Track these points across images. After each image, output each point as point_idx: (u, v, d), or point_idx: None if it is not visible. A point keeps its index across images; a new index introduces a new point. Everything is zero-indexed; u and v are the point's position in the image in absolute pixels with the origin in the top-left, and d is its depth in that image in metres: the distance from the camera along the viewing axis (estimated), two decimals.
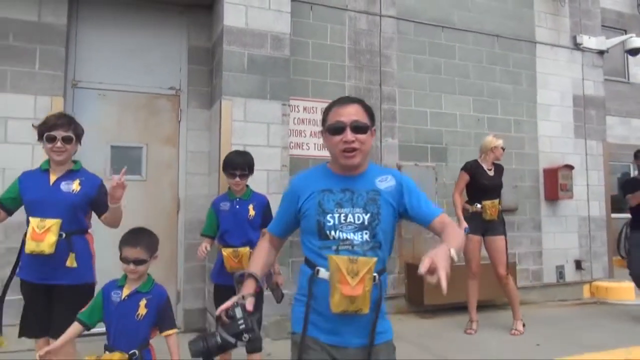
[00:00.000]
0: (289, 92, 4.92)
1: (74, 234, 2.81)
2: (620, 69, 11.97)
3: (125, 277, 2.50)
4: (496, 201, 4.89)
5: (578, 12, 7.17)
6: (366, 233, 1.79)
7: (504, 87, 6.54)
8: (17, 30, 4.36)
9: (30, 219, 2.73)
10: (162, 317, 2.50)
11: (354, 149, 1.79)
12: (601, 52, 7.24)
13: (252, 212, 3.38)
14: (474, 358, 4.06)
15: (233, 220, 3.36)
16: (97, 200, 2.89)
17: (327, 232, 1.79)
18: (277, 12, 4.82)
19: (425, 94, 6.06)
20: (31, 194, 2.81)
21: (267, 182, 4.59)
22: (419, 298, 5.47)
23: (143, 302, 2.44)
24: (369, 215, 1.81)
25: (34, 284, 2.78)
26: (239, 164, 3.36)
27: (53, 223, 2.69)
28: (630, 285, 6.70)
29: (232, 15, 4.65)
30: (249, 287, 1.83)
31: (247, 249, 3.24)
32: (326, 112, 1.90)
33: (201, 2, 5.05)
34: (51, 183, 2.80)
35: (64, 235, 2.74)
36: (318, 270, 1.79)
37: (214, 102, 4.93)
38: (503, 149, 5.03)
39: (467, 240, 4.64)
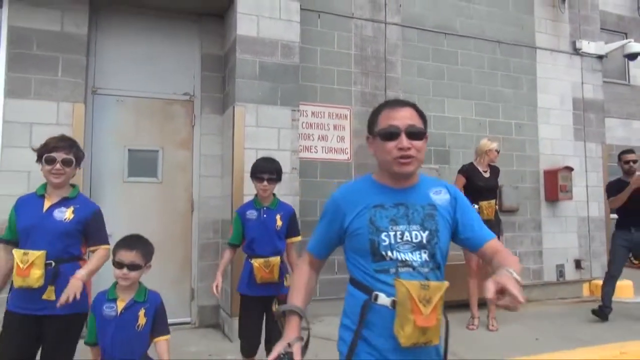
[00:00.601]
0: (298, 98, 5.13)
1: (65, 263, 2.69)
2: (620, 71, 12.13)
3: (114, 287, 2.45)
4: (492, 201, 5.10)
5: (577, 18, 7.37)
6: (424, 252, 1.62)
7: (505, 91, 6.74)
8: (41, 39, 4.59)
9: (14, 252, 2.64)
10: (157, 323, 2.46)
11: (409, 157, 1.61)
12: (600, 57, 7.43)
13: (279, 222, 3.34)
14: (476, 352, 4.26)
15: (261, 230, 3.31)
16: (90, 227, 2.78)
17: (383, 252, 1.60)
18: (287, 22, 5.04)
19: (429, 99, 6.26)
20: (24, 220, 2.73)
21: (279, 184, 4.80)
22: None
23: (142, 312, 2.41)
24: (427, 232, 1.63)
25: (22, 315, 2.64)
26: (267, 168, 3.33)
27: (36, 256, 2.59)
28: (629, 283, 6.91)
29: (245, 24, 4.87)
30: (293, 327, 1.64)
31: (278, 258, 3.26)
32: (375, 115, 1.72)
33: (214, 12, 5.27)
34: (44, 209, 2.71)
35: (53, 264, 2.64)
36: (377, 296, 1.59)
37: (226, 108, 5.14)
38: (497, 152, 5.24)
39: None
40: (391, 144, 1.62)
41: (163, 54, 5.24)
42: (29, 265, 2.57)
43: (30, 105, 4.52)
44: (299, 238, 3.49)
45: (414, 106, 1.70)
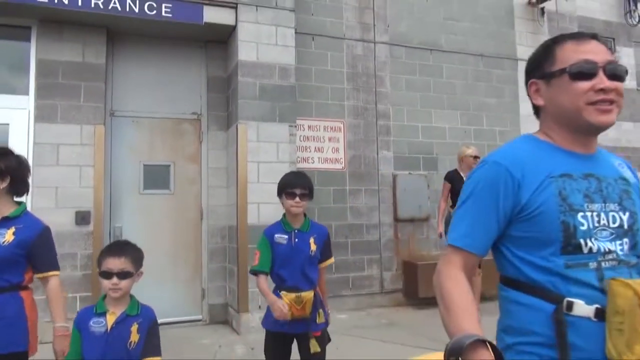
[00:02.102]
0: (295, 114, 5.69)
1: (3, 292, 2.30)
2: None
3: (102, 301, 2.20)
4: None
5: (556, 30, 7.87)
6: (626, 242, 1.24)
7: (489, 101, 7.26)
8: (65, 70, 5.18)
9: None
10: (149, 341, 2.20)
11: (612, 101, 1.24)
12: None
13: (313, 247, 2.89)
14: None
15: (293, 258, 2.85)
16: (35, 251, 2.39)
17: (581, 240, 1.20)
18: (284, 47, 5.60)
19: (417, 110, 6.80)
20: None
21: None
22: (414, 292, 6.18)
23: (135, 328, 2.15)
24: (627, 214, 1.25)
25: None
26: (299, 183, 2.91)
27: None
28: None
29: (245, 51, 5.43)
30: None
31: (312, 293, 2.82)
32: (548, 51, 1.36)
33: (218, 39, 5.84)
34: None
35: None
36: (571, 304, 1.16)
37: (230, 125, 5.71)
38: (474, 157, 5.63)
39: None
40: (585, 84, 1.25)
41: (173, 78, 5.82)
42: None
43: (57, 128, 5.10)
44: (332, 260, 3.12)
45: (604, 43, 1.31)
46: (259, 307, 5.15)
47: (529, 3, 7.68)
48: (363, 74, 6.57)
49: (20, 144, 4.96)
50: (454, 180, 5.64)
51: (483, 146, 6.90)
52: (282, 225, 2.94)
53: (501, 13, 7.49)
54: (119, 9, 5.02)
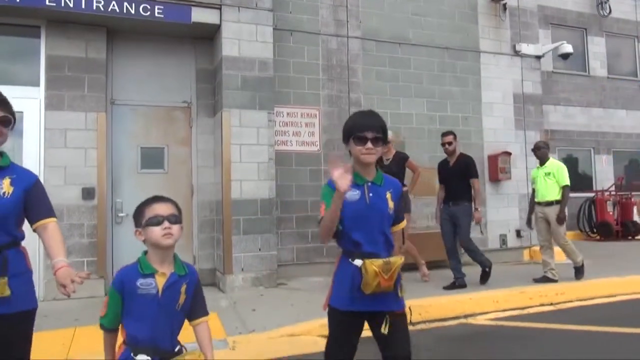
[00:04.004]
0: (273, 103, 6.45)
1: (10, 248, 2.17)
2: (581, 64, 13.33)
3: (146, 261, 2.00)
4: None
5: (517, 25, 8.60)
6: None
7: (453, 89, 8.01)
8: (71, 64, 5.92)
9: None
10: (196, 301, 2.08)
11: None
12: (538, 57, 8.67)
13: (390, 204, 2.35)
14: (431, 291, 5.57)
15: (368, 216, 2.30)
16: (33, 199, 2.27)
17: None
18: (263, 43, 6.34)
19: (386, 98, 7.55)
20: None
21: (258, 171, 6.16)
22: None
23: (183, 288, 2.00)
24: None
25: None
26: (369, 123, 2.34)
27: None
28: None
29: (229, 47, 6.17)
30: None
31: (402, 259, 2.27)
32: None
33: (205, 36, 6.57)
34: None
35: None
36: None
37: (216, 112, 6.47)
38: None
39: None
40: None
41: (166, 71, 6.57)
42: None
43: (64, 115, 5.86)
44: (405, 223, 2.55)
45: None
46: (242, 269, 5.97)
47: (492, 0, 8.37)
48: (337, 66, 7.31)
49: (33, 130, 5.74)
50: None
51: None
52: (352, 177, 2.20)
53: (465, 9, 8.20)
54: (117, 10, 5.75)
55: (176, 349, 1.99)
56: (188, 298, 2.03)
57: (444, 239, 6.24)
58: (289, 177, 6.83)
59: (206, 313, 2.12)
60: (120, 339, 2.02)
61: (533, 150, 6.76)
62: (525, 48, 8.52)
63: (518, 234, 8.23)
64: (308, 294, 5.73)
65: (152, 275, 1.96)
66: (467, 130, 8.04)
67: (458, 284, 5.91)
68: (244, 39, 6.24)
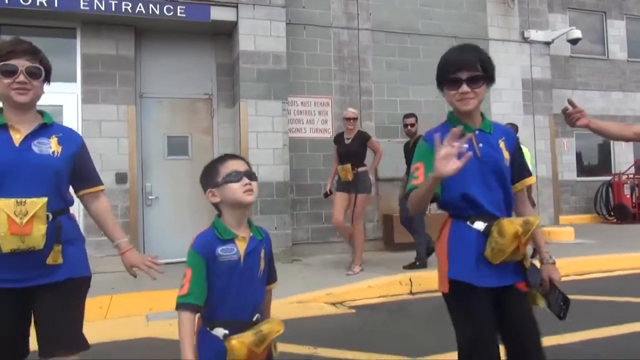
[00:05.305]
0: (287, 93, 6.94)
1: (63, 214, 2.02)
2: (600, 48, 13.32)
3: (221, 224, 1.78)
4: (347, 165, 5.76)
5: (526, 12, 8.82)
6: None
7: None
8: (104, 61, 6.54)
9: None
10: (271, 267, 1.91)
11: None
12: (547, 43, 8.88)
13: (506, 155, 1.95)
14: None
15: (481, 170, 1.90)
16: (81, 163, 2.10)
17: None
18: (277, 37, 6.83)
19: (396, 87, 7.94)
20: None
21: (273, 156, 6.68)
22: (391, 239, 7.45)
23: (262, 253, 1.83)
24: None
25: (7, 290, 1.91)
26: (462, 59, 1.91)
27: (38, 205, 1.87)
28: (570, 229, 8.45)
29: (245, 42, 6.69)
30: None
31: (538, 217, 1.95)
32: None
33: (224, 32, 7.10)
34: (17, 143, 1.94)
35: (50, 217, 1.93)
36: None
37: (235, 103, 7.01)
38: (349, 119, 5.92)
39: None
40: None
41: (188, 65, 7.13)
42: (30, 218, 1.85)
43: (99, 108, 6.49)
44: (533, 179, 2.14)
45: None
46: None
47: None
48: (348, 57, 7.73)
49: (72, 121, 6.39)
50: (337, 142, 6.06)
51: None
52: (452, 125, 1.86)
53: None
54: (144, 11, 6.32)
55: (254, 319, 1.76)
56: (266, 264, 1.85)
57: (415, 222, 6.15)
58: (304, 162, 7.32)
59: (276, 279, 1.95)
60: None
61: None
62: (534, 34, 8.73)
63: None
64: (319, 269, 6.25)
65: (232, 240, 1.75)
66: None
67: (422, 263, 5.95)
68: (259, 34, 6.74)
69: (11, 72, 1.92)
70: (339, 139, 6.08)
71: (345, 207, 5.98)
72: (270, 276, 1.91)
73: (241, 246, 1.76)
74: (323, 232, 7.30)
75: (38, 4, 5.93)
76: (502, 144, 1.95)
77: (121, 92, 6.58)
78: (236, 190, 1.76)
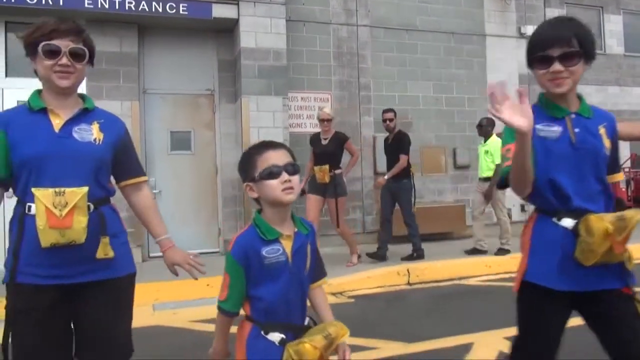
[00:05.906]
0: (287, 89, 7.08)
1: (105, 205, 1.89)
2: (597, 42, 13.43)
3: (263, 222, 1.63)
4: (324, 166, 5.62)
5: (523, 8, 8.94)
6: None
7: (459, 72, 8.46)
8: (108, 58, 6.67)
9: (36, 192, 1.69)
10: (318, 263, 1.78)
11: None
12: None
13: (607, 142, 1.76)
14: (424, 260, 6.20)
15: (577, 158, 1.72)
16: (123, 151, 1.97)
17: None
18: (277, 34, 6.96)
19: (394, 82, 8.08)
20: (29, 146, 1.75)
21: None
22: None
23: (308, 249, 1.70)
24: None
25: (53, 287, 1.75)
26: (552, 37, 1.69)
27: (79, 195, 1.73)
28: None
29: (246, 39, 6.82)
30: None
31: (638, 213, 1.61)
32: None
33: (225, 29, 7.23)
34: (57, 129, 1.79)
35: (92, 207, 1.79)
36: None
37: (236, 99, 7.15)
38: (323, 120, 5.84)
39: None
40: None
41: (191, 61, 7.27)
42: (70, 209, 1.70)
43: (103, 104, 6.46)
44: (622, 176, 1.95)
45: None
46: None
47: None
48: (347, 53, 7.87)
49: None
50: (313, 143, 6.01)
51: (452, 112, 8.19)
52: (544, 108, 1.79)
53: None
54: (147, 9, 6.45)
55: (306, 322, 1.68)
56: (312, 260, 1.72)
57: (383, 211, 6.33)
58: (304, 157, 7.44)
59: (325, 273, 1.82)
60: (241, 313, 1.69)
61: (477, 127, 6.84)
62: (531, 30, 8.81)
63: (522, 208, 8.68)
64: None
65: (277, 240, 1.62)
66: (472, 111, 8.50)
67: (382, 253, 6.10)
68: (260, 31, 6.87)
69: (54, 53, 1.78)
70: (315, 139, 5.98)
71: (320, 210, 5.96)
72: (318, 272, 1.78)
73: (287, 245, 1.63)
74: (322, 225, 7.45)
75: (44, 2, 6.06)
76: (602, 130, 1.75)
77: (125, 89, 6.72)
78: (274, 188, 1.60)
